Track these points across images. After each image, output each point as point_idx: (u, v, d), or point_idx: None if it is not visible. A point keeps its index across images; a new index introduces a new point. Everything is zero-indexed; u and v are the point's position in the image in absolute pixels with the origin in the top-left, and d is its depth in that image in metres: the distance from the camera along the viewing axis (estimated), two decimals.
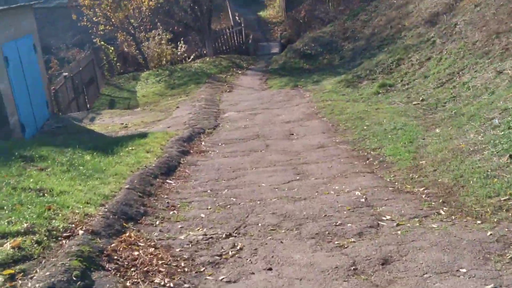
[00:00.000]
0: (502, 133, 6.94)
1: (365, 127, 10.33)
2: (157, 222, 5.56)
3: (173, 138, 10.60)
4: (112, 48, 25.88)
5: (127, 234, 4.95)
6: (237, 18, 31.11)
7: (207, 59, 24.94)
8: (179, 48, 27.73)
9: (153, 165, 8.04)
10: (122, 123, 14.90)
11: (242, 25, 28.83)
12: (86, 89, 20.67)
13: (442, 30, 15.01)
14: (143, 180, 6.97)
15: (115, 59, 26.24)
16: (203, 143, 10.86)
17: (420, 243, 4.27)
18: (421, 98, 11.94)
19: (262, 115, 13.69)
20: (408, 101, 12.16)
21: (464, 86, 11.20)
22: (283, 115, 13.24)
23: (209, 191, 6.96)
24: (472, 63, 11.97)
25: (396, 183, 6.50)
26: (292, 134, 11.01)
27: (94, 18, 26.40)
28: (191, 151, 9.97)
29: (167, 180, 7.54)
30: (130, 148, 9.44)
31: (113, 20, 26.57)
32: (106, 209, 5.44)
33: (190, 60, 27.09)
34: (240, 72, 23.00)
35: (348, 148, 9.28)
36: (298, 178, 7.39)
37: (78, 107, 18.97)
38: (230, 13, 32.92)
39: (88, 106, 20.07)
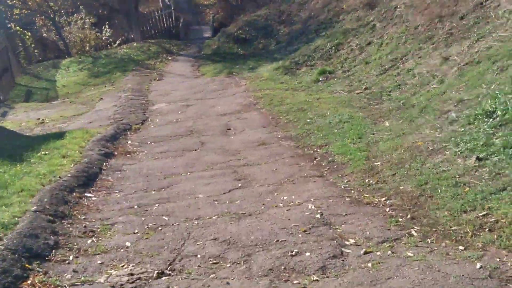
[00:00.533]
0: (462, 129, 6.32)
1: (308, 120, 9.54)
2: (71, 257, 4.47)
3: (95, 137, 9.37)
4: (29, 33, 23.74)
5: (30, 282, 3.86)
6: (166, 0, 29.57)
7: (134, 44, 23.42)
8: (103, 32, 25.91)
9: (69, 174, 6.85)
10: (39, 118, 13.40)
11: (172, 7, 27.40)
12: None
13: (382, 13, 14.48)
14: (55, 197, 5.80)
15: (32, 45, 24.15)
16: (129, 142, 9.70)
17: (398, 282, 3.46)
18: (364, 87, 11.31)
19: (195, 106, 12.63)
20: (350, 90, 11.50)
21: (409, 73, 10.65)
22: (218, 106, 12.25)
23: (136, 206, 5.91)
24: (416, 49, 11.46)
25: (352, 191, 5.72)
26: (230, 129, 10.06)
27: (8, 1, 24.09)
28: (116, 153, 8.80)
29: (85, 194, 6.39)
30: (43, 152, 8.16)
31: (30, 3, 24.39)
32: (2, 247, 4.29)
33: (116, 45, 25.42)
34: (170, 58, 21.70)
35: (292, 145, 8.46)
36: (240, 185, 6.47)
37: None
38: None
39: (1, 98, 18.14)
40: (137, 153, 8.89)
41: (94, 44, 26.06)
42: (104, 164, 7.95)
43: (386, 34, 13.42)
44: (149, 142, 9.60)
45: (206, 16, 31.66)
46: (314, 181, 6.21)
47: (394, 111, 8.91)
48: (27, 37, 23.52)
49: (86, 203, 6.02)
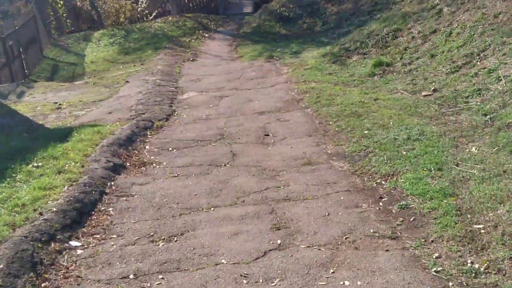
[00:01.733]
0: None
1: (365, 132, 7.55)
2: None
3: (106, 140, 7.64)
4: (61, 2, 22.10)
5: None
6: None
7: (170, 18, 21.54)
8: (139, 3, 24.09)
9: (55, 208, 5.12)
10: (56, 102, 11.87)
11: None
12: (24, 52, 17.19)
13: None
14: (22, 256, 4.08)
15: (64, 14, 22.54)
16: (147, 146, 7.93)
17: None
18: (432, 88, 9.17)
19: (229, 99, 10.77)
20: (414, 90, 9.38)
21: (491, 75, 8.48)
22: (255, 101, 10.34)
23: (131, 276, 4.12)
24: (497, 43, 9.23)
25: (452, 286, 3.74)
26: (268, 135, 8.18)
27: None
28: (128, 164, 7.06)
29: (70, 242, 4.66)
30: (36, 164, 6.48)
31: None
32: None
33: (151, 17, 23.56)
34: (206, 35, 19.76)
35: (346, 168, 6.52)
36: (279, 242, 4.63)
37: (11, 75, 15.58)
38: None
39: (26, 72, 16.67)
40: (154, 165, 7.12)
41: (130, 15, 24.33)
42: (108, 184, 6.21)
43: (456, 21, 11.15)
44: (170, 149, 7.82)
45: None
46: (387, 250, 4.29)
47: (479, 129, 6.82)
48: (59, 5, 21.91)
49: (66, 263, 4.28)
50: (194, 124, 9.18)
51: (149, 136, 8.47)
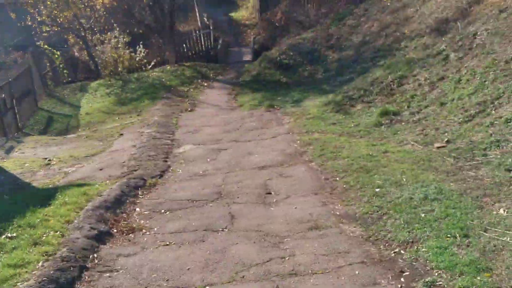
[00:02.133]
0: None
1: (376, 189, 6.89)
2: None
3: (92, 203, 6.97)
4: (58, 52, 21.91)
5: None
6: (205, 19, 27.53)
7: (168, 67, 21.27)
8: (137, 52, 23.91)
9: None
10: (46, 158, 11.26)
11: (211, 27, 25.23)
12: (18, 104, 16.74)
13: (457, 41, 11.76)
14: None
15: (61, 65, 22.30)
16: (137, 208, 7.26)
17: None
18: (445, 139, 8.58)
19: (228, 152, 10.16)
20: (426, 141, 8.77)
21: (509, 125, 7.90)
22: (256, 154, 9.73)
23: None
24: None
25: None
26: (270, 193, 7.52)
27: (38, 18, 22.38)
28: (115, 230, 6.36)
29: None
30: (10, 234, 5.78)
31: (60, 19, 22.63)
32: None
33: (150, 67, 23.30)
34: (205, 84, 19.38)
35: (359, 233, 5.83)
36: None
37: (3, 129, 15.04)
38: (197, 13, 29.27)
39: (19, 125, 16.17)
40: (144, 230, 6.42)
41: (128, 65, 24.10)
42: (90, 256, 5.49)
43: (465, 67, 10.69)
44: (163, 211, 7.15)
45: (247, 36, 29.40)
46: None
47: (504, 187, 6.16)
48: (56, 56, 21.70)
49: None
50: (190, 181, 8.53)
51: (140, 197, 7.81)
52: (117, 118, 15.61)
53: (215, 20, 29.14)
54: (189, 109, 15.38)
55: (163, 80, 19.21)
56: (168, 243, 5.98)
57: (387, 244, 5.43)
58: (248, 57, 24.56)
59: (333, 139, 9.92)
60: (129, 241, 6.10)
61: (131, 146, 11.17)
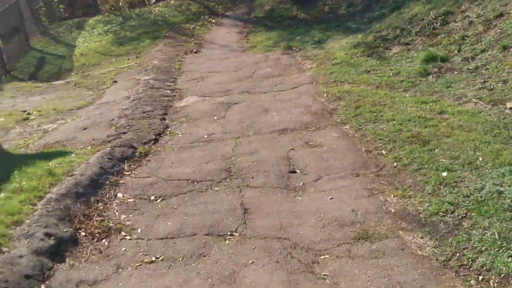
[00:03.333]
0: None
1: (443, 174, 4.87)
2: None
3: (57, 188, 5.08)
4: None
5: None
6: None
7: (172, 1, 18.78)
8: None
9: None
10: (25, 111, 9.33)
11: None
12: (5, 43, 14.58)
13: None
14: None
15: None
16: (119, 194, 5.34)
17: None
18: None
19: (239, 107, 8.13)
20: (493, 99, 6.63)
21: None
22: (274, 111, 7.69)
23: None
24: None
25: None
26: (295, 172, 5.54)
27: None
28: (83, 233, 4.48)
29: None
30: None
31: None
32: None
33: (153, 1, 20.78)
34: (213, 21, 17.00)
35: (430, 251, 3.92)
36: None
37: None
38: None
39: (6, 68, 14.09)
40: (123, 233, 4.54)
41: None
42: None
43: None
44: (153, 197, 5.23)
45: None
46: None
47: None
48: None
49: None
50: (192, 149, 6.55)
51: (126, 174, 5.87)
52: (114, 60, 13.48)
53: None
54: (194, 50, 13.17)
55: (167, 16, 16.82)
56: (154, 259, 4.09)
57: (478, 276, 3.48)
58: None
59: (369, 92, 7.79)
60: (100, 253, 4.21)
61: (124, 98, 9.15)
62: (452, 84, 7.47)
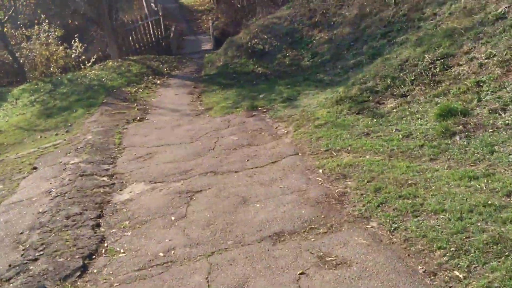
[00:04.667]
0: None
1: None
2: None
3: None
4: None
5: None
6: (153, 5, 22.63)
7: (110, 63, 16.45)
8: (73, 48, 18.98)
9: None
10: None
11: (160, 13, 20.43)
12: None
13: None
14: None
15: None
16: None
17: None
18: None
19: (205, 198, 5.76)
20: None
21: None
22: (256, 201, 5.41)
23: None
24: None
25: None
26: None
27: None
28: None
29: None
30: None
31: None
32: None
33: (89, 64, 18.44)
34: (158, 82, 14.72)
35: None
36: None
37: None
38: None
39: None
40: None
41: (63, 63, 19.15)
42: None
43: None
44: None
45: (203, 23, 24.71)
46: None
47: None
48: None
49: None
50: (140, 285, 4.03)
51: None
52: (39, 136, 10.83)
53: (164, 7, 24.27)
54: (138, 117, 10.77)
55: (104, 80, 14.41)
56: None
57: None
58: (207, 46, 19.98)
59: (382, 165, 5.61)
60: None
61: (43, 193, 6.56)
62: (495, 147, 5.41)
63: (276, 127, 8.35)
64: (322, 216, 4.78)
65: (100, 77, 14.69)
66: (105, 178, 6.97)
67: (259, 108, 9.68)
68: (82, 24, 22.09)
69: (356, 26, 11.84)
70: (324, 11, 13.69)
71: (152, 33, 20.34)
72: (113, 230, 5.28)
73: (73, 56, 18.97)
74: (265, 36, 14.14)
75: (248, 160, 6.86)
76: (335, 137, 6.96)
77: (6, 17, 18.16)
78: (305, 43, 13.24)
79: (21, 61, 18.23)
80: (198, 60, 17.38)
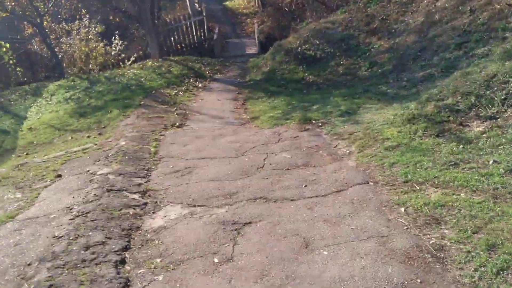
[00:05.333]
0: None
1: None
2: None
3: None
4: (7, 45, 16.01)
5: None
6: (196, 5, 21.69)
7: (149, 63, 15.54)
8: (113, 46, 18.22)
9: None
10: None
11: (204, 14, 19.44)
12: None
13: None
14: None
15: (12, 61, 16.38)
16: None
17: None
18: None
19: (256, 234, 4.58)
20: None
21: None
22: (321, 247, 4.16)
23: None
24: None
25: None
26: None
27: None
28: None
29: None
30: None
31: (11, 3, 16.78)
32: None
33: (129, 63, 17.64)
34: (200, 85, 13.67)
35: None
36: None
37: None
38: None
39: None
40: None
41: (103, 60, 18.37)
42: None
43: None
44: None
45: (247, 27, 23.66)
46: None
47: None
48: (4, 50, 15.78)
49: None
50: None
51: None
52: (70, 137, 9.91)
53: (208, 8, 23.33)
54: (177, 123, 9.70)
55: (142, 80, 13.46)
56: None
57: None
58: (252, 50, 18.88)
59: (486, 208, 4.35)
60: None
61: (63, 210, 5.50)
62: None
63: (336, 146, 7.10)
64: (418, 281, 3.52)
65: (139, 77, 13.75)
66: (136, 196, 5.86)
67: (313, 122, 8.45)
68: (123, 21, 21.38)
69: (422, 35, 10.48)
70: (384, 17, 12.36)
71: (194, 33, 19.39)
72: (141, 271, 4.14)
73: (112, 53, 18.22)
74: (317, 42, 12.91)
75: (305, 186, 5.64)
76: (414, 164, 5.66)
77: (46, 10, 17.46)
78: (362, 51, 11.95)
79: (60, 56, 17.49)
80: (242, 64, 16.28)
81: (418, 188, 5.07)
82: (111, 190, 5.95)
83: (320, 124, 8.27)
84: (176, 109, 10.84)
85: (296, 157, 6.78)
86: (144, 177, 6.56)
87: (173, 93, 12.27)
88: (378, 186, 5.36)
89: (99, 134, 9.56)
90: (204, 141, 8.18)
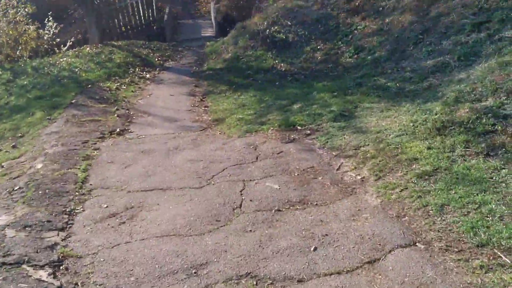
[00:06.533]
0: None
1: None
2: None
3: None
4: None
5: None
6: None
7: (87, 49, 12.93)
8: (46, 28, 15.45)
9: None
10: None
11: None
12: None
13: None
14: None
15: None
16: None
17: None
18: None
19: None
20: None
21: None
22: None
23: None
24: None
25: None
26: None
27: None
28: None
29: None
30: None
31: None
32: None
33: (65, 48, 14.97)
34: (148, 76, 11.25)
35: None
36: None
37: None
38: None
39: None
40: None
41: (35, 46, 15.53)
42: None
43: None
44: None
45: (201, 6, 21.12)
46: None
47: None
48: None
49: None
50: None
51: None
52: None
53: None
54: (117, 129, 7.36)
55: (77, 70, 10.90)
56: None
57: None
58: (209, 32, 16.52)
59: None
60: None
61: None
62: None
63: (339, 167, 5.03)
64: None
65: (73, 67, 11.18)
66: (43, 274, 3.59)
67: (299, 128, 6.34)
68: (60, 0, 18.48)
69: (422, 13, 8.52)
70: None
71: (142, 14, 16.77)
72: None
73: (45, 37, 15.43)
74: (288, 23, 10.76)
75: (315, 249, 3.54)
76: (478, 208, 3.66)
77: None
78: (343, 33, 9.91)
79: None
80: (198, 49, 13.93)
81: (501, 258, 3.06)
82: (3, 264, 3.64)
83: (308, 132, 6.17)
84: (117, 109, 8.47)
85: (287, 187, 4.67)
86: (62, 230, 4.27)
87: (114, 87, 9.82)
88: (435, 252, 3.32)
89: (13, 146, 7.10)
90: (153, 159, 5.92)
